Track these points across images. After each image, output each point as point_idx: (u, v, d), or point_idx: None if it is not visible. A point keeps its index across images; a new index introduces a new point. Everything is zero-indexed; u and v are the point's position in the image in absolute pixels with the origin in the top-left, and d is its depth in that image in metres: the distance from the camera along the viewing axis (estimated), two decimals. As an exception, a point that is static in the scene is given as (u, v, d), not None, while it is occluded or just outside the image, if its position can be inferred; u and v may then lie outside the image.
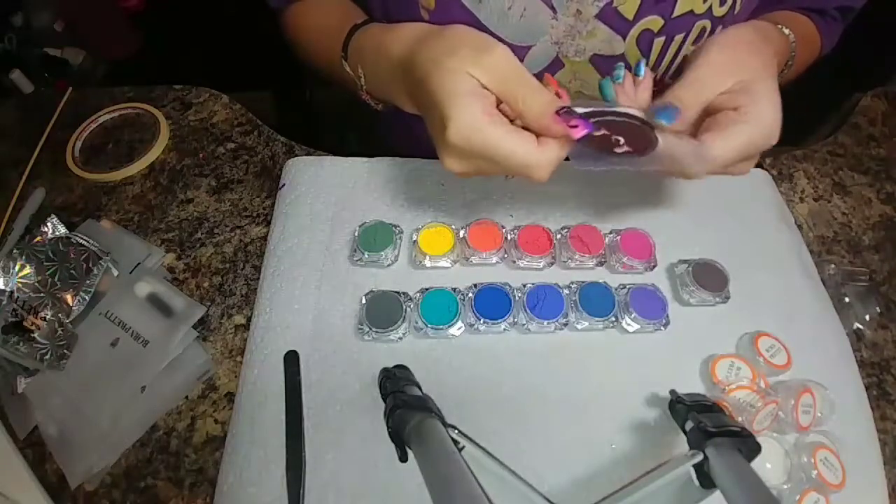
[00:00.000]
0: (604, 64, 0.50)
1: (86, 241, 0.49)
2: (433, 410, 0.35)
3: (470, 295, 0.46)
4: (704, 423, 0.35)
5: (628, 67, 0.42)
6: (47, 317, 0.46)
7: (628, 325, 0.46)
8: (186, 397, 0.45)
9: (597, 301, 0.46)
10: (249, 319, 0.48)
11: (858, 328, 0.50)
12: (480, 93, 0.35)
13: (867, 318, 0.50)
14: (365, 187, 0.54)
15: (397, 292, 0.46)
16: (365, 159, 0.56)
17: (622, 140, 0.36)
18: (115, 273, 0.49)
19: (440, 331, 0.44)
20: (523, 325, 0.45)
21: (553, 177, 0.35)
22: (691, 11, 0.46)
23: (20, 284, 0.46)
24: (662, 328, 0.46)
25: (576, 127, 0.33)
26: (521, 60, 0.36)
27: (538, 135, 0.35)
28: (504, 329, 0.45)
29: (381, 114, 0.50)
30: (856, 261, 0.55)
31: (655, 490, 0.34)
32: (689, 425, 0.37)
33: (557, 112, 0.33)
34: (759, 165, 0.59)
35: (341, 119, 0.85)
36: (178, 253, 0.53)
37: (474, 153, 0.35)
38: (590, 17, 0.46)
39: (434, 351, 0.45)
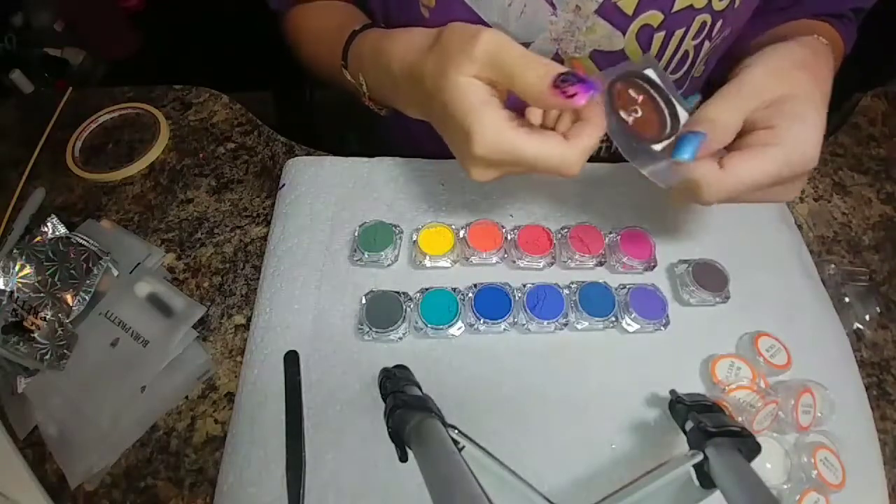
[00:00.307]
0: (604, 60, 0.50)
1: (86, 241, 0.49)
2: (433, 410, 0.35)
3: (470, 295, 0.46)
4: (704, 423, 0.35)
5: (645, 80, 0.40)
6: (47, 317, 0.46)
7: (628, 325, 0.46)
8: (186, 397, 0.45)
9: (597, 301, 0.46)
10: (249, 319, 0.48)
11: (858, 328, 0.50)
12: (492, 98, 0.33)
13: (867, 318, 0.50)
14: (365, 187, 0.54)
15: (397, 292, 0.46)
16: (365, 159, 0.56)
17: (640, 100, 0.34)
18: (115, 273, 0.49)
19: (440, 331, 0.44)
20: (523, 325, 0.45)
21: (554, 177, 0.35)
22: (691, 6, 0.46)
23: (20, 284, 0.46)
24: (662, 328, 0.46)
25: (574, 95, 0.31)
26: None
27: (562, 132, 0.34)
28: (504, 329, 0.45)
29: (373, 110, 0.50)
30: (856, 261, 0.55)
31: (655, 490, 0.34)
32: (689, 425, 0.37)
33: (554, 83, 0.31)
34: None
35: (341, 119, 0.84)
36: (178, 253, 0.53)
37: (503, 161, 0.34)
38: (589, 12, 0.46)
39: (434, 351, 0.45)
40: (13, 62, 1.43)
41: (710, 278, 0.47)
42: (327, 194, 0.54)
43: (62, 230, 0.50)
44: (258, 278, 0.50)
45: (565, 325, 0.45)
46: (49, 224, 0.50)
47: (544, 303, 0.45)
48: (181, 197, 0.57)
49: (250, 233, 0.54)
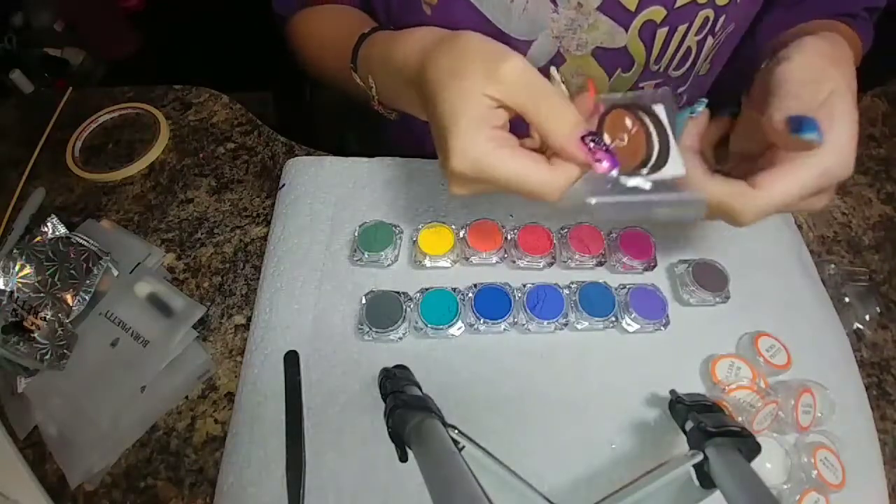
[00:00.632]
0: (606, 57, 0.49)
1: (86, 241, 0.49)
2: (433, 410, 0.35)
3: (470, 295, 0.46)
4: (704, 423, 0.35)
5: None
6: (47, 317, 0.46)
7: (628, 325, 0.46)
8: (186, 397, 0.45)
9: (597, 301, 0.46)
10: (249, 319, 0.48)
11: (858, 328, 0.50)
12: (488, 116, 0.32)
13: (867, 318, 0.50)
14: (365, 187, 0.54)
15: (397, 292, 0.46)
16: (365, 159, 0.56)
17: (632, 130, 0.32)
18: (115, 273, 0.49)
19: (440, 331, 0.44)
20: (523, 325, 0.45)
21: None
22: (694, 1, 0.45)
23: (20, 284, 0.46)
24: (662, 328, 0.46)
25: (600, 161, 0.31)
26: (524, 56, 0.34)
27: (548, 154, 0.33)
28: (504, 329, 0.45)
29: (382, 114, 0.50)
30: (856, 261, 0.55)
31: (655, 490, 0.34)
32: (689, 425, 0.37)
33: (583, 139, 0.31)
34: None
35: (341, 119, 0.84)
36: (178, 253, 0.53)
37: (479, 180, 0.33)
38: (591, 9, 0.46)
39: (434, 351, 0.45)
40: (13, 62, 1.43)
41: (710, 278, 0.47)
42: (327, 194, 0.54)
43: (62, 230, 0.50)
44: (258, 278, 0.50)
45: (565, 325, 0.45)
46: (49, 224, 0.50)
47: (544, 303, 0.45)
48: (181, 197, 0.57)
49: (250, 233, 0.54)
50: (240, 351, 0.47)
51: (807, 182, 0.32)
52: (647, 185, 0.33)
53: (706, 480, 0.34)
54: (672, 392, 0.40)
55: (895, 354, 0.49)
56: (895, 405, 0.46)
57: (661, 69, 0.51)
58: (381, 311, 0.45)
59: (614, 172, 0.32)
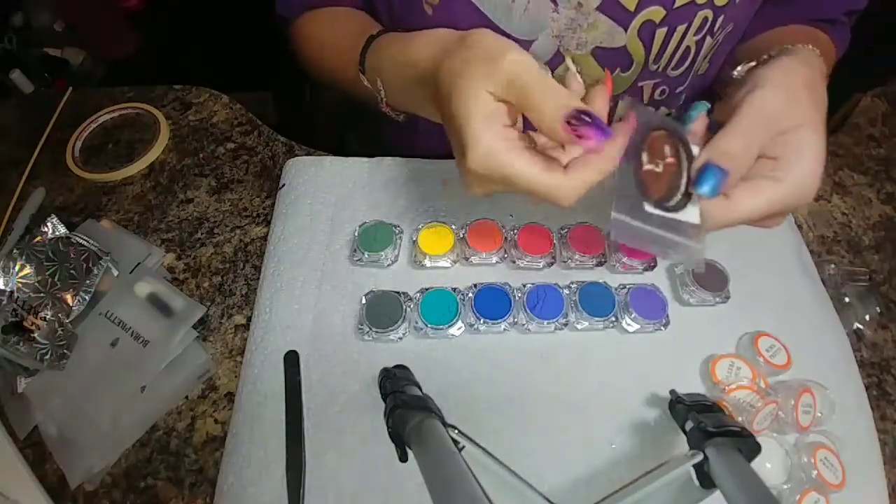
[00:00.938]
0: (605, 57, 0.49)
1: (86, 241, 0.49)
2: (433, 410, 0.35)
3: (470, 295, 0.46)
4: (704, 423, 0.35)
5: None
6: (47, 317, 0.46)
7: (628, 325, 0.46)
8: (186, 397, 0.45)
9: (597, 301, 0.46)
10: (249, 319, 0.48)
11: (858, 328, 0.50)
12: (496, 113, 0.32)
13: (867, 318, 0.50)
14: (365, 187, 0.54)
15: (397, 292, 0.46)
16: (365, 159, 0.56)
17: (668, 160, 0.32)
18: (115, 273, 0.49)
19: (440, 331, 0.44)
20: (523, 325, 0.45)
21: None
22: (693, 2, 0.46)
23: (20, 284, 0.46)
24: (662, 328, 0.46)
25: (583, 138, 0.30)
26: None
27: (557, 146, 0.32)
28: (504, 329, 0.45)
29: (382, 114, 0.50)
30: (856, 261, 0.55)
31: (655, 490, 0.34)
32: (689, 425, 0.37)
33: (566, 119, 0.30)
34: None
35: (341, 119, 0.85)
36: (178, 253, 0.53)
37: (493, 180, 0.33)
38: (591, 9, 0.46)
39: (434, 351, 0.45)
40: (13, 62, 1.43)
41: (710, 278, 0.47)
42: (327, 194, 0.54)
43: (62, 230, 0.50)
44: (258, 278, 0.50)
45: (565, 325, 0.45)
46: (49, 224, 0.50)
47: (544, 303, 0.45)
48: (181, 197, 0.57)
49: (250, 233, 0.54)
50: (240, 351, 0.47)
51: (771, 205, 0.33)
52: (663, 218, 0.33)
53: (706, 480, 0.34)
54: (672, 392, 0.40)
55: (895, 354, 0.49)
56: (895, 405, 0.46)
57: (660, 69, 0.51)
58: (381, 311, 0.45)
59: (647, 205, 0.32)
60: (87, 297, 0.48)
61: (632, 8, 0.46)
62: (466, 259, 0.49)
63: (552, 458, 0.41)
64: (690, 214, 0.34)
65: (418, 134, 0.59)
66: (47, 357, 0.44)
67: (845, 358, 0.46)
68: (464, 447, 0.33)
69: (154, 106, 0.64)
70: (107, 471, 0.42)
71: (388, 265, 0.49)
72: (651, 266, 0.49)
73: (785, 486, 0.39)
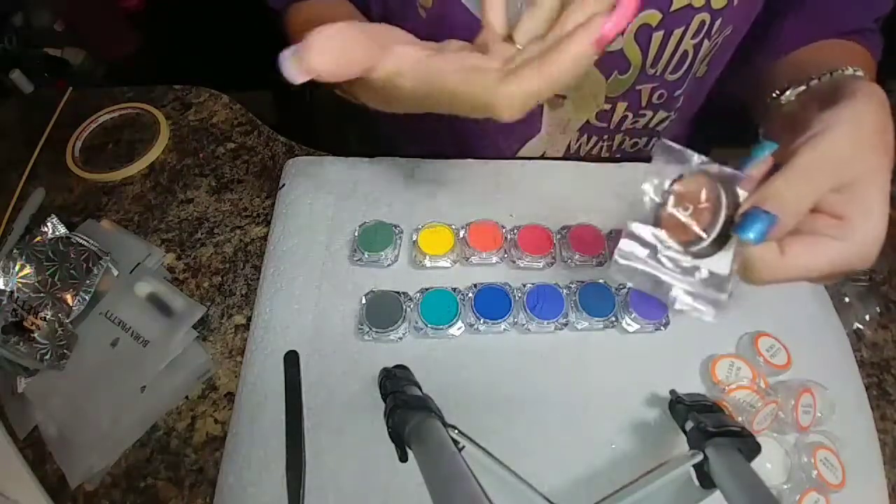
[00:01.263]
0: (602, 60, 0.49)
1: (86, 241, 0.49)
2: (433, 410, 0.35)
3: (470, 295, 0.46)
4: (704, 423, 0.35)
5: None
6: (47, 317, 0.46)
7: (628, 325, 0.46)
8: (186, 397, 0.45)
9: (597, 301, 0.46)
10: (249, 319, 0.48)
11: (858, 328, 0.50)
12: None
13: (867, 318, 0.50)
14: (365, 187, 0.54)
15: (397, 292, 0.46)
16: (365, 159, 0.56)
17: (703, 205, 0.28)
18: (115, 273, 0.49)
19: (440, 331, 0.44)
20: (523, 325, 0.45)
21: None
22: (689, 5, 0.45)
23: (20, 284, 0.46)
24: (662, 328, 0.46)
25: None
26: None
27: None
28: (504, 329, 0.45)
29: (382, 113, 0.50)
30: (856, 261, 0.55)
31: (655, 490, 0.34)
32: (689, 425, 0.37)
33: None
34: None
35: (341, 119, 0.85)
36: (178, 253, 0.53)
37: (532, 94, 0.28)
38: None
39: (434, 351, 0.45)
40: (13, 62, 1.43)
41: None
42: (327, 194, 0.54)
43: (62, 230, 0.50)
44: (258, 278, 0.50)
45: (565, 325, 0.45)
46: (49, 224, 0.50)
47: (544, 303, 0.45)
48: (181, 197, 0.57)
49: (250, 233, 0.54)
50: (240, 351, 0.47)
51: (830, 266, 0.30)
52: (683, 264, 0.30)
53: (706, 480, 0.34)
54: (672, 392, 0.40)
55: (895, 354, 0.49)
56: (895, 405, 0.46)
57: (658, 72, 0.51)
58: (381, 311, 0.45)
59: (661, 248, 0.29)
60: (87, 297, 0.48)
61: None
62: (466, 259, 0.49)
63: (552, 458, 0.41)
64: (721, 265, 0.30)
65: (418, 133, 0.59)
66: (47, 357, 0.44)
67: (845, 358, 0.46)
68: (464, 447, 0.33)
69: (154, 106, 0.64)
70: (107, 471, 0.42)
71: (388, 265, 0.49)
72: (651, 266, 0.49)
73: (785, 486, 0.39)
